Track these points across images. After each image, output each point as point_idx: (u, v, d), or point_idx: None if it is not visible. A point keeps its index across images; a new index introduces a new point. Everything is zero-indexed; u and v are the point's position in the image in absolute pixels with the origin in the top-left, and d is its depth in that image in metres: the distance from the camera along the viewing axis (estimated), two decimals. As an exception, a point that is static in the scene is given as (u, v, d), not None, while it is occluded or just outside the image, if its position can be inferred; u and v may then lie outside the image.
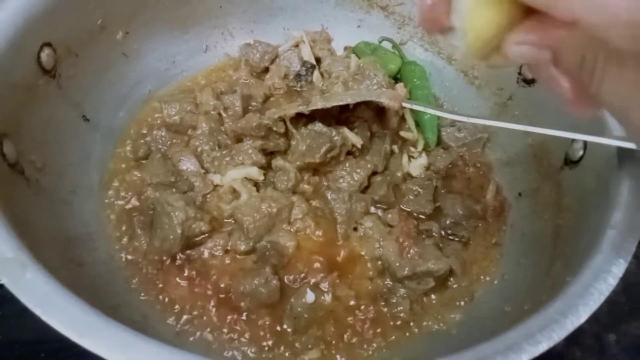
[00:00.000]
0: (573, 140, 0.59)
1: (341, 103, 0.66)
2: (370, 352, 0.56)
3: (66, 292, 0.38)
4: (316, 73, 0.79)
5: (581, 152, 0.58)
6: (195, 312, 0.57)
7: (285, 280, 0.60)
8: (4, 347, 0.60)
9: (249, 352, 0.56)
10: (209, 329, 0.57)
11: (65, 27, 0.60)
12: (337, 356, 0.56)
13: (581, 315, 0.40)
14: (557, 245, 0.57)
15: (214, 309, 0.58)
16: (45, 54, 0.57)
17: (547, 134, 0.57)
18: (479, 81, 0.78)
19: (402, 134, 0.73)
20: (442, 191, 0.69)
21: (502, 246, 0.65)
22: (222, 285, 0.59)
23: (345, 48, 0.83)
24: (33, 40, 0.56)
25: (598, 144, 0.51)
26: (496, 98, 0.76)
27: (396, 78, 0.80)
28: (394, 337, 0.57)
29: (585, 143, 0.58)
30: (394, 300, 0.59)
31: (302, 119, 0.67)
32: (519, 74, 0.70)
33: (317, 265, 0.61)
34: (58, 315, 0.36)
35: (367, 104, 0.68)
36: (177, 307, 0.58)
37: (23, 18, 0.54)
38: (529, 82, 0.69)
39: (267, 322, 0.57)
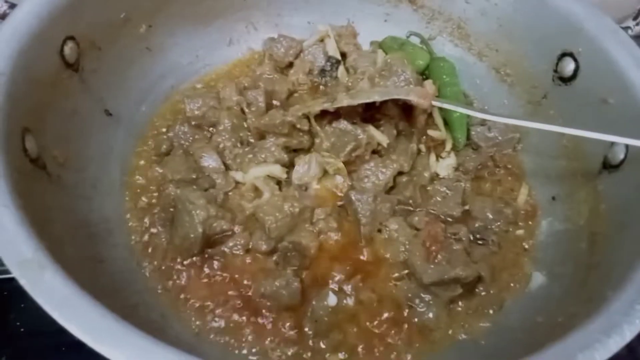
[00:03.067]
0: (613, 142, 0.56)
1: (368, 101, 0.64)
2: (393, 359, 0.55)
3: (84, 295, 0.37)
4: (341, 68, 0.77)
5: (622, 156, 0.56)
6: (214, 312, 0.56)
7: (307, 282, 0.58)
8: (26, 338, 0.61)
9: (267, 353, 0.54)
10: (228, 330, 0.56)
11: (89, 20, 0.59)
12: (359, 363, 0.54)
13: (626, 334, 0.37)
14: (593, 254, 0.54)
15: (233, 309, 0.57)
16: (69, 48, 0.56)
17: (584, 136, 0.54)
18: (511, 78, 0.75)
19: (430, 132, 0.71)
20: (471, 193, 0.67)
21: (533, 252, 0.63)
22: (242, 286, 0.58)
23: (372, 43, 0.82)
24: (56, 33, 0.55)
25: (642, 148, 0.48)
26: (529, 96, 0.73)
27: (424, 74, 0.77)
28: (418, 344, 0.56)
29: (627, 146, 0.55)
30: (419, 307, 0.57)
31: (327, 116, 0.65)
32: (555, 71, 0.67)
33: (339, 267, 0.60)
34: (76, 319, 0.36)
35: (394, 101, 0.66)
36: (196, 306, 0.57)
37: (47, 11, 0.54)
38: (566, 80, 0.66)
39: (287, 325, 0.56)
